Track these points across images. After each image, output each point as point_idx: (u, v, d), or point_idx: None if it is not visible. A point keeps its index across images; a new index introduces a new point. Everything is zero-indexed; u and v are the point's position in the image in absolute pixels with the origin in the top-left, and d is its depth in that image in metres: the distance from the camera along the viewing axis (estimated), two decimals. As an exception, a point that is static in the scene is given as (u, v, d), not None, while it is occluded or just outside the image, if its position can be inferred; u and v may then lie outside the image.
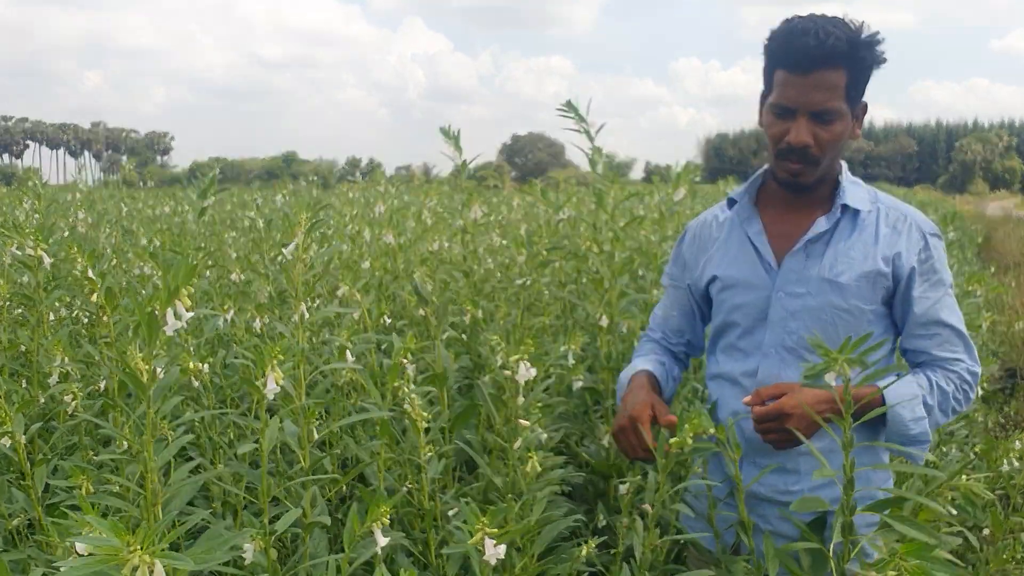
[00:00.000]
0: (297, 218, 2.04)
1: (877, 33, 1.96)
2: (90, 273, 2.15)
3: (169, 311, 1.50)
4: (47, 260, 2.65)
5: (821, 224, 2.06)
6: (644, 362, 2.31)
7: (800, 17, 1.97)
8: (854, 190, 2.10)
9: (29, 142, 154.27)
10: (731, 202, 2.23)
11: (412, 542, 2.26)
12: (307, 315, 2.06)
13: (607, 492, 3.16)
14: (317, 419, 2.34)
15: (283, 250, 2.08)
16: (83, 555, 1.15)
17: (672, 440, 1.86)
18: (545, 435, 2.34)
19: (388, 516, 1.56)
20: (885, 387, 1.85)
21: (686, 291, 2.34)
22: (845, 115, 1.99)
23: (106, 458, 1.76)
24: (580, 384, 3.09)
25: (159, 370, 1.61)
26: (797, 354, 2.05)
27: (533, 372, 1.97)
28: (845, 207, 2.07)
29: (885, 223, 2.06)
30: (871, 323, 2.05)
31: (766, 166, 2.19)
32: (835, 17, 1.94)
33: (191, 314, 1.51)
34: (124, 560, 1.07)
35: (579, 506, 2.73)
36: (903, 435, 1.96)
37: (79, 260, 2.18)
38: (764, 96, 2.08)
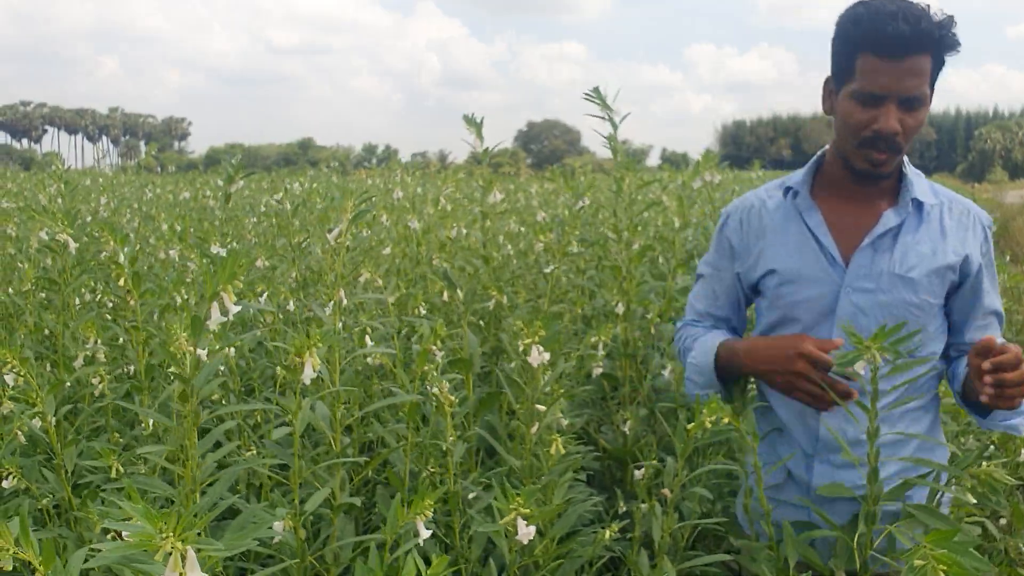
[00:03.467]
0: (343, 204, 2.06)
1: (952, 17, 1.90)
2: (121, 257, 2.18)
3: (215, 305, 1.52)
4: (72, 245, 2.68)
5: (890, 219, 2.00)
6: (720, 335, 2.19)
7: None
8: (919, 183, 2.04)
9: (47, 127, 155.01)
10: (789, 190, 2.12)
11: (436, 525, 2.28)
12: (344, 301, 2.09)
13: (625, 478, 3.19)
14: (344, 403, 2.37)
15: (327, 235, 2.09)
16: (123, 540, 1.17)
17: (690, 425, 1.86)
18: (567, 421, 2.36)
19: (432, 508, 1.59)
20: None
21: (734, 279, 2.22)
22: (928, 102, 1.94)
23: (147, 452, 1.77)
24: (599, 371, 3.11)
25: (202, 356, 1.63)
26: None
27: (547, 356, 1.97)
28: (914, 201, 2.01)
29: (950, 216, 2.02)
30: (935, 317, 2.03)
31: (821, 151, 2.13)
32: (908, 0, 1.87)
33: (238, 308, 1.53)
34: (157, 546, 1.09)
35: (598, 492, 2.75)
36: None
37: (111, 243, 2.21)
38: (838, 81, 1.98)
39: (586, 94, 3.06)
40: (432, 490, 2.37)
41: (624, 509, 2.50)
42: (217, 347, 1.71)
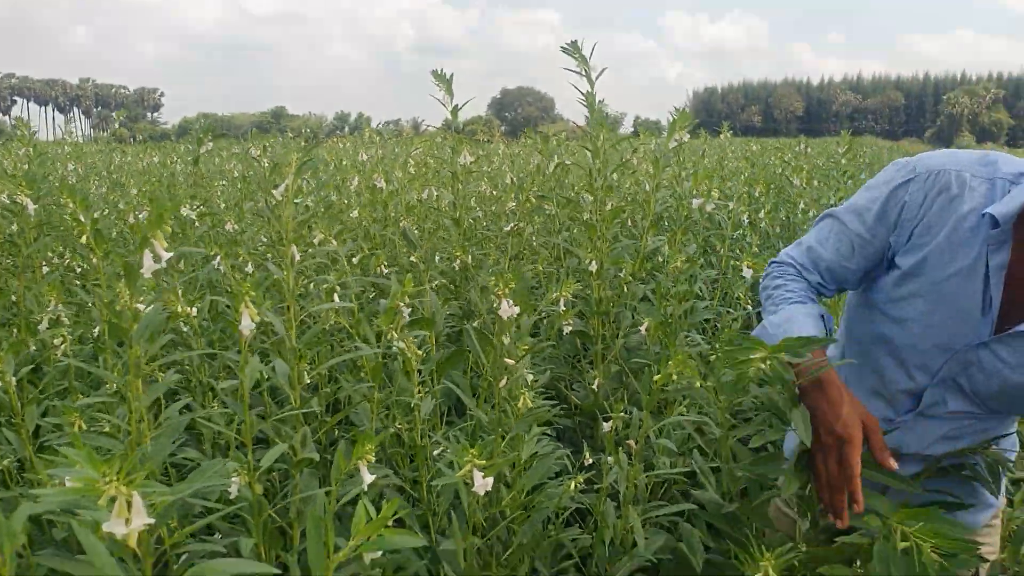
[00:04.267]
0: (287, 158, 2.03)
1: None
2: (81, 217, 2.15)
3: (147, 252, 1.49)
4: (31, 206, 2.64)
5: None
6: (813, 322, 1.77)
7: None
8: None
9: (16, 98, 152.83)
10: (987, 217, 1.62)
11: (402, 480, 2.28)
12: (297, 257, 2.06)
13: (595, 433, 3.20)
14: (308, 363, 2.36)
15: (273, 191, 2.07)
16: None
17: (656, 377, 1.84)
18: (531, 376, 2.35)
19: (374, 454, 1.57)
20: None
21: (883, 248, 1.78)
22: None
23: (92, 401, 1.76)
24: (569, 329, 3.11)
25: (143, 310, 1.61)
26: (964, 393, 1.75)
27: (516, 310, 1.93)
28: None
29: None
30: None
31: None
32: None
33: (170, 255, 1.51)
34: (100, 491, 1.08)
35: (569, 448, 2.76)
36: None
37: (69, 204, 2.18)
38: None
39: (563, 47, 3.05)
40: (398, 447, 2.38)
41: (591, 462, 2.51)
42: (152, 297, 1.69)
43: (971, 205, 1.64)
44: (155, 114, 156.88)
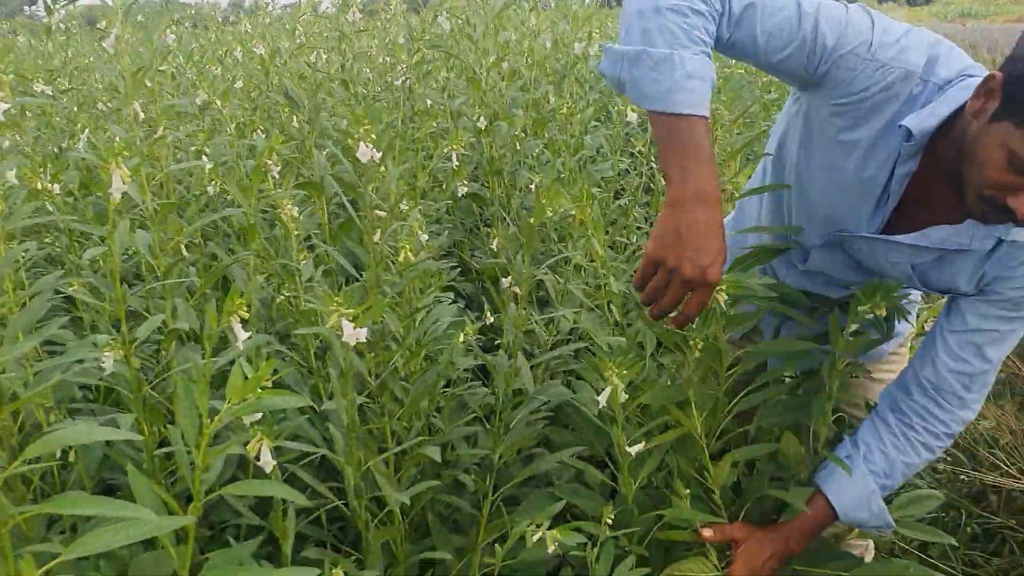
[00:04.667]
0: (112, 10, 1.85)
1: None
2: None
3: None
4: None
5: (963, 239, 1.61)
6: (708, 94, 1.45)
7: None
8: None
9: None
10: (902, 129, 1.50)
11: (291, 348, 2.19)
12: (141, 114, 1.90)
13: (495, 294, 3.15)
14: (189, 239, 2.22)
15: (103, 44, 1.89)
16: None
17: (531, 219, 1.75)
18: (426, 236, 2.25)
19: (245, 307, 1.46)
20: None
21: (796, 70, 1.54)
22: None
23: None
24: (464, 190, 2.99)
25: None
26: (846, 256, 1.76)
27: (377, 154, 1.76)
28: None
29: (1000, 266, 1.63)
30: None
31: (958, 107, 1.48)
32: None
33: (7, 105, 1.38)
34: None
35: (476, 314, 2.69)
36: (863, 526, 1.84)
37: None
38: (1006, 112, 1.38)
39: None
40: (289, 317, 2.28)
41: (492, 320, 2.45)
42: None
43: (905, 108, 1.53)
44: (33, 7, 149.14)
